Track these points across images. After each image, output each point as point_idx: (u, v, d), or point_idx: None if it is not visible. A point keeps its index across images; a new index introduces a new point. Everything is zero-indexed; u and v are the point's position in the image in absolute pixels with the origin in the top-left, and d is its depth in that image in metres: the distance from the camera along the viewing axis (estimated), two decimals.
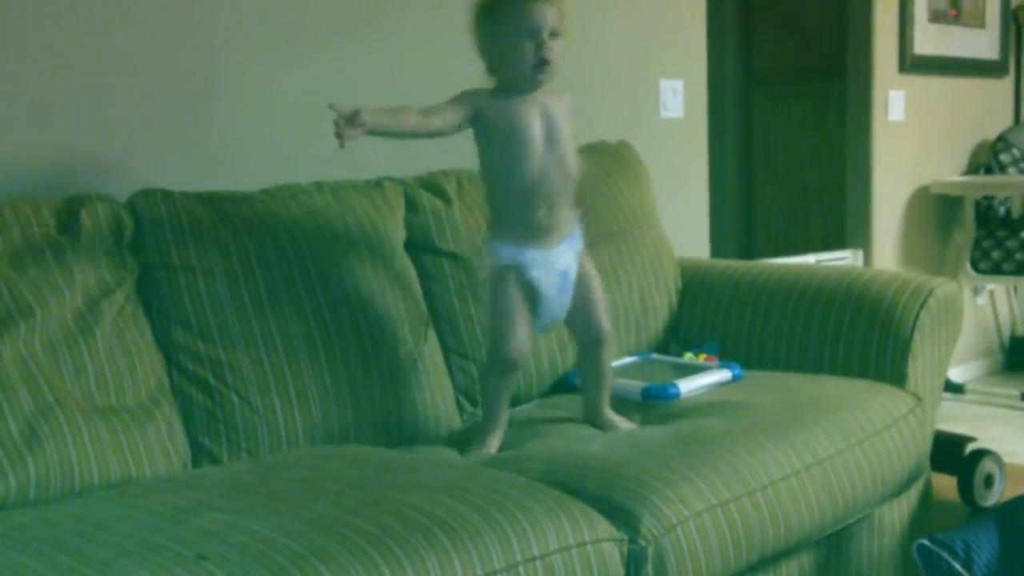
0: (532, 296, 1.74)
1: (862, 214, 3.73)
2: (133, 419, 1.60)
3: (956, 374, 3.90)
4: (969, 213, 3.90)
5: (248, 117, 2.12)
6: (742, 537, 1.57)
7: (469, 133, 1.77)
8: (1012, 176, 3.92)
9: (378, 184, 2.05)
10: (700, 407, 1.85)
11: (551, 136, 1.71)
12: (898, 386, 2.03)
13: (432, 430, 1.87)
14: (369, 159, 2.27)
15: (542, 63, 1.67)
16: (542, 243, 1.73)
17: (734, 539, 1.55)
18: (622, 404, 1.90)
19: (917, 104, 3.82)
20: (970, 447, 2.61)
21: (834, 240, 3.84)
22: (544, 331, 1.85)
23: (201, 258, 1.74)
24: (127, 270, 1.71)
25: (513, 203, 1.73)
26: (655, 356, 2.21)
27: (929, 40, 3.83)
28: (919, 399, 2.02)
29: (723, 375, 2.04)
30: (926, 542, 1.72)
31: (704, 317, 2.32)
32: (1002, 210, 3.90)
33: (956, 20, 3.95)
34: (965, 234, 3.92)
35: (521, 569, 1.30)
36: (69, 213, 1.68)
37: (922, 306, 2.06)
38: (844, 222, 3.80)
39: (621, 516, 1.46)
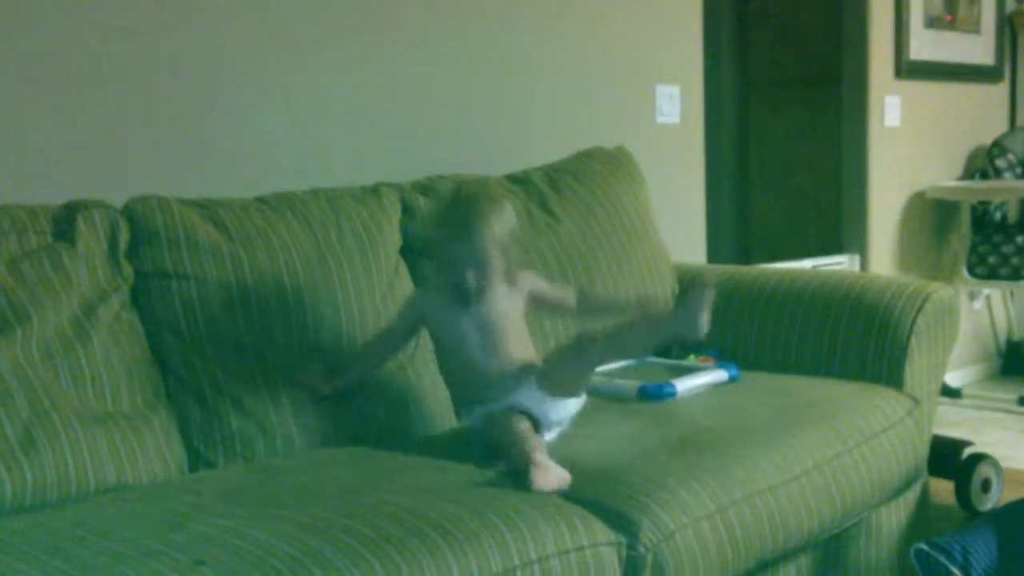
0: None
1: (858, 219, 3.74)
2: (129, 425, 1.60)
3: (953, 379, 3.91)
4: (965, 218, 3.91)
5: (245, 124, 2.13)
6: (740, 543, 1.56)
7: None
8: (1008, 181, 3.93)
9: (374, 190, 2.05)
10: (698, 410, 1.85)
11: (487, 339, 1.70)
12: (895, 390, 2.03)
13: (427, 433, 1.87)
14: (366, 164, 2.28)
15: (462, 293, 1.69)
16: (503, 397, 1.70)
17: (732, 545, 1.55)
18: (618, 404, 1.90)
19: (913, 109, 3.83)
20: (967, 451, 2.62)
21: (830, 245, 3.85)
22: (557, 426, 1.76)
23: (196, 265, 1.74)
24: (123, 276, 1.71)
25: (462, 388, 1.77)
26: (651, 358, 2.21)
27: (925, 46, 3.84)
28: (916, 402, 2.03)
29: (720, 375, 2.04)
30: (924, 546, 1.71)
31: None
32: (998, 215, 3.91)
33: (951, 26, 3.96)
34: (961, 239, 3.93)
35: (519, 573, 1.29)
36: (65, 219, 1.68)
37: (919, 311, 2.07)
38: (840, 227, 3.81)
39: (620, 523, 1.45)
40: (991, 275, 3.80)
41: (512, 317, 1.75)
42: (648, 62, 2.91)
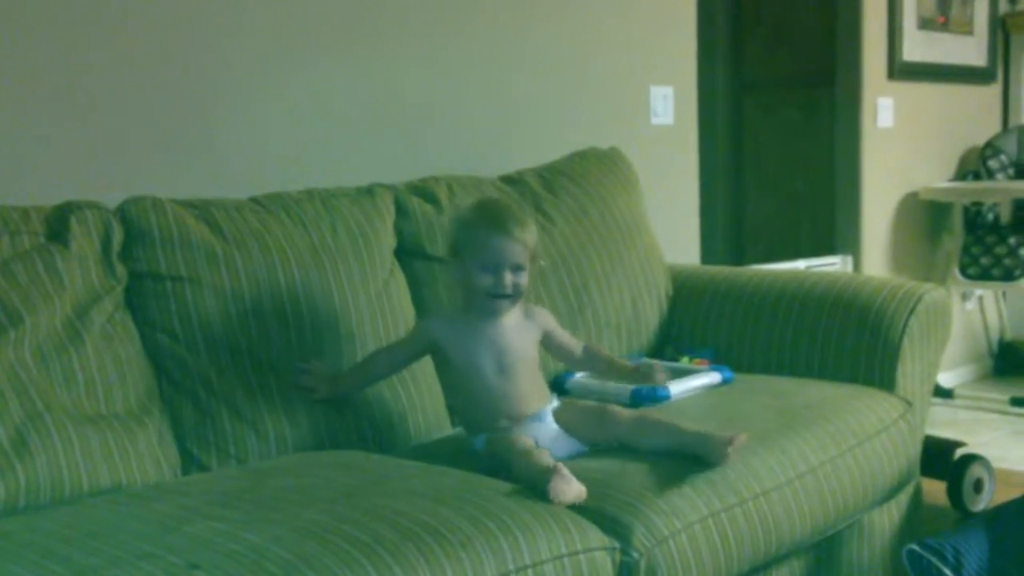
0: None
1: (851, 220, 3.75)
2: (123, 427, 1.59)
3: (945, 379, 3.92)
4: (958, 219, 3.92)
5: (239, 125, 2.12)
6: (733, 547, 1.57)
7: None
8: (1000, 182, 3.94)
9: (369, 191, 2.05)
10: (691, 413, 1.85)
11: (501, 365, 1.67)
12: (888, 391, 2.04)
13: (422, 438, 1.87)
14: (360, 165, 2.28)
15: (497, 296, 1.66)
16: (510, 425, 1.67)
17: (725, 550, 1.55)
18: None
19: (906, 111, 3.84)
20: (959, 452, 2.62)
21: (824, 246, 3.85)
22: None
23: (190, 267, 1.74)
24: (116, 278, 1.70)
25: (472, 415, 1.72)
26: (645, 360, 2.21)
27: (917, 47, 3.85)
28: (909, 404, 2.03)
29: (713, 378, 2.04)
30: (916, 547, 1.72)
31: (695, 323, 2.32)
32: (990, 216, 3.92)
33: (944, 27, 3.97)
34: (954, 240, 3.94)
35: None
36: (59, 221, 1.68)
37: (911, 312, 2.07)
38: (834, 228, 3.81)
39: (614, 527, 1.46)
40: (984, 276, 3.81)
41: (527, 349, 1.72)
42: (642, 63, 2.91)
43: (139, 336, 1.70)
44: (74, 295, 1.63)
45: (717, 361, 2.20)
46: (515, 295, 1.68)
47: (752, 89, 4.34)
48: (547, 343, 1.81)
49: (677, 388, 1.97)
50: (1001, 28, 4.24)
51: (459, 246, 1.72)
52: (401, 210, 2.06)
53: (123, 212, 1.76)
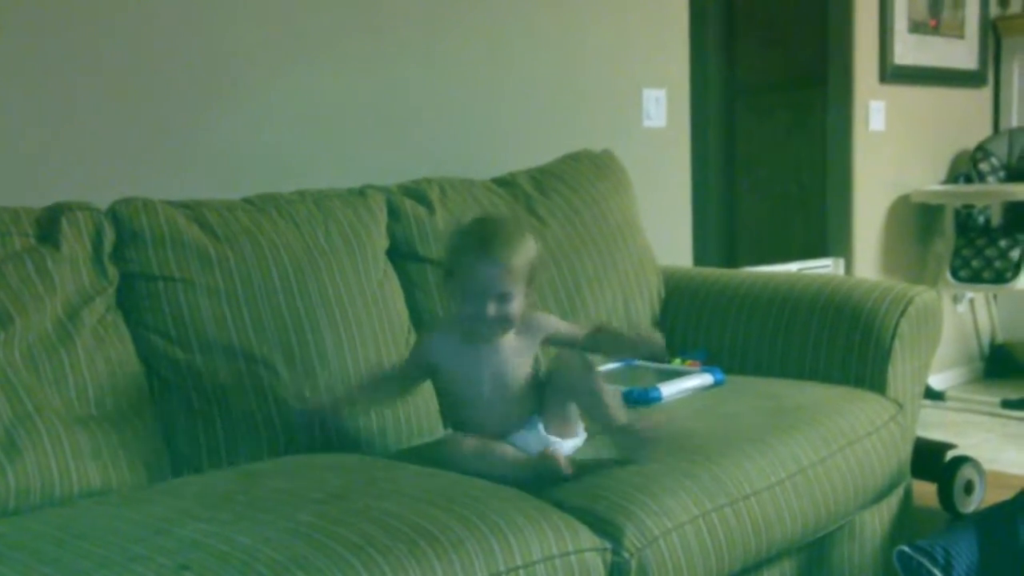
0: None
1: (843, 223, 3.76)
2: (114, 428, 1.59)
3: (936, 381, 3.93)
4: (949, 222, 3.94)
5: (231, 126, 2.12)
6: (724, 548, 1.57)
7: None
8: (991, 185, 3.95)
9: (361, 192, 2.05)
10: (683, 414, 1.86)
11: (494, 386, 1.64)
12: (879, 393, 2.04)
13: (413, 440, 1.87)
14: (352, 167, 2.28)
15: (484, 323, 1.59)
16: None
17: (716, 550, 1.56)
18: None
19: (897, 114, 3.86)
20: (950, 454, 2.63)
21: (816, 249, 3.86)
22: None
23: (182, 267, 1.74)
24: (108, 279, 1.70)
25: (462, 427, 1.68)
26: (637, 361, 2.22)
27: (909, 50, 3.86)
28: (900, 406, 2.04)
29: (704, 379, 2.05)
30: (906, 549, 1.72)
31: (687, 325, 2.33)
32: (981, 219, 3.93)
33: (936, 31, 3.98)
34: (945, 242, 3.95)
35: None
36: (49, 221, 1.68)
37: (902, 314, 2.08)
38: (826, 231, 3.82)
39: (605, 528, 1.46)
40: (974, 278, 3.82)
41: (523, 368, 1.66)
42: (635, 66, 2.91)
43: (130, 337, 1.70)
44: (65, 296, 1.62)
45: (709, 362, 2.20)
46: (501, 325, 1.60)
47: (744, 92, 4.36)
48: (553, 343, 1.74)
49: (669, 389, 1.97)
50: (992, 31, 4.26)
51: (449, 268, 1.65)
52: (393, 212, 2.06)
53: (114, 213, 1.76)
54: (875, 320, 2.08)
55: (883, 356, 2.06)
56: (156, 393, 1.69)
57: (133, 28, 1.98)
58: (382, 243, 2.01)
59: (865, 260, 3.78)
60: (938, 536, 1.76)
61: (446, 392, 1.73)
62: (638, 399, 1.93)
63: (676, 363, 2.18)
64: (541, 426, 1.66)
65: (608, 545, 1.44)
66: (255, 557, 1.19)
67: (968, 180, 4.02)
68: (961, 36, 4.10)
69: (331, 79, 2.27)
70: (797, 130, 4.15)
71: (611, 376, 2.10)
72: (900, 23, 3.81)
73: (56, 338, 1.58)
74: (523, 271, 1.60)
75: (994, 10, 4.26)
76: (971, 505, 2.63)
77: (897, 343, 2.07)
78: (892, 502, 2.07)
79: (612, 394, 1.65)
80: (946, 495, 2.60)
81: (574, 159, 2.46)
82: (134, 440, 1.61)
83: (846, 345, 2.10)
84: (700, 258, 3.30)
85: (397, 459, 1.69)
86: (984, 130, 4.25)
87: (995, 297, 4.29)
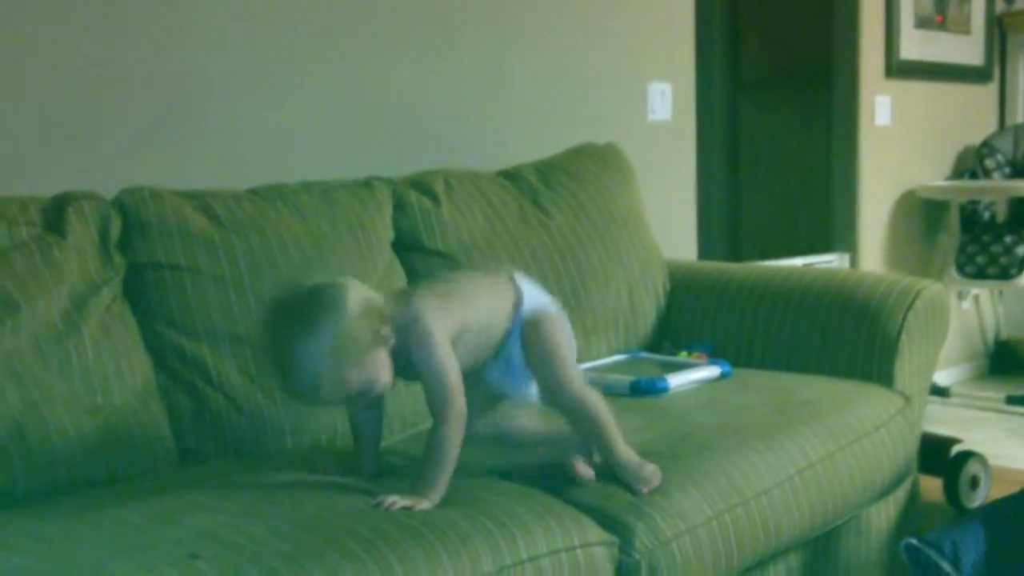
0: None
1: (848, 218, 3.75)
2: (120, 418, 1.58)
3: (941, 377, 3.92)
4: (954, 218, 3.93)
5: (237, 116, 2.12)
6: (734, 546, 1.56)
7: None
8: (997, 181, 3.94)
9: (367, 184, 2.04)
10: (692, 408, 1.85)
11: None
12: (886, 386, 2.04)
13: (419, 424, 1.86)
14: (358, 159, 2.27)
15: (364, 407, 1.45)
16: None
17: (726, 549, 1.55)
18: (611, 400, 1.89)
19: (903, 109, 3.85)
20: (956, 449, 2.63)
21: (820, 244, 3.86)
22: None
23: (188, 257, 1.73)
24: (114, 268, 1.69)
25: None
26: (644, 354, 2.22)
27: (915, 46, 3.85)
28: (907, 399, 2.03)
29: (712, 371, 2.04)
30: (914, 541, 1.72)
31: (692, 318, 2.32)
32: (987, 215, 3.92)
33: (942, 26, 3.97)
34: (950, 238, 3.94)
35: (510, 572, 1.29)
36: (56, 211, 1.67)
37: (909, 307, 2.07)
38: (830, 226, 3.82)
39: (614, 526, 1.45)
40: (979, 274, 3.81)
41: (454, 365, 1.44)
42: (640, 59, 2.91)
43: (137, 326, 1.69)
44: (72, 285, 1.62)
45: (715, 356, 2.20)
46: (380, 395, 1.39)
47: (749, 86, 4.35)
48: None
49: (676, 381, 1.96)
50: (998, 27, 4.25)
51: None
52: (399, 204, 2.06)
53: (121, 202, 1.75)
54: (882, 313, 2.08)
55: (890, 349, 2.06)
56: (162, 382, 1.69)
57: (142, 21, 1.98)
58: (387, 235, 2.00)
59: (870, 255, 3.78)
60: (945, 529, 1.76)
61: None
62: (646, 389, 1.92)
63: (682, 356, 2.18)
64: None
65: (615, 539, 1.44)
66: (264, 547, 1.19)
67: (973, 176, 4.02)
68: (967, 32, 4.09)
69: (338, 71, 2.27)
70: (802, 125, 4.14)
71: (618, 368, 2.10)
72: (906, 18, 3.80)
73: (63, 327, 1.58)
74: (352, 365, 1.29)
75: (1000, 6, 4.25)
76: (976, 500, 2.62)
77: (904, 336, 2.06)
78: (899, 496, 2.06)
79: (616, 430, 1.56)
80: (952, 490, 2.59)
81: (579, 152, 2.45)
82: (140, 429, 1.60)
83: (853, 338, 2.09)
84: (704, 253, 3.29)
85: (402, 448, 1.68)
86: (990, 126, 4.24)
87: (1000, 293, 4.28)
